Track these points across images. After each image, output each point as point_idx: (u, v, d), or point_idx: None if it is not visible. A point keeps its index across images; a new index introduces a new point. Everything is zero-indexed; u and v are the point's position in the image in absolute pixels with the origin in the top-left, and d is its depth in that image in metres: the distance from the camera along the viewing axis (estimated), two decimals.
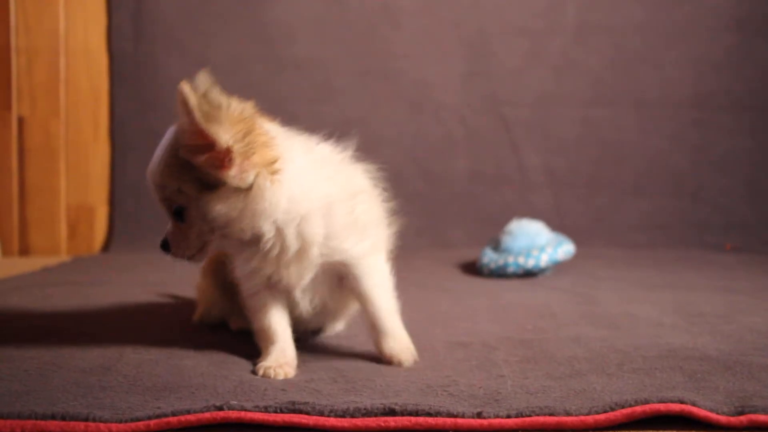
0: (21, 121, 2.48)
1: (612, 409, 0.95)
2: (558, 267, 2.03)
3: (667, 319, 1.43)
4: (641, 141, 2.60)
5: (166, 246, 1.11)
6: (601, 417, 0.94)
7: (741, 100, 2.59)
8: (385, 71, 2.59)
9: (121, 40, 2.54)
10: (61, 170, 2.51)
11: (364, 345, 1.26)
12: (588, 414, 0.94)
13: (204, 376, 1.07)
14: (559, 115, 2.60)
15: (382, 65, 2.59)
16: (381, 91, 2.59)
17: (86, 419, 0.90)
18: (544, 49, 2.58)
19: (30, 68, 2.49)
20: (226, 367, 1.13)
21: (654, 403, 0.95)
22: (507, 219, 2.14)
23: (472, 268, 2.07)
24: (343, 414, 0.94)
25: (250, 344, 1.21)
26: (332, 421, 0.92)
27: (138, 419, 0.91)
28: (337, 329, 1.35)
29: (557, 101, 2.59)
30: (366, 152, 2.52)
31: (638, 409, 0.94)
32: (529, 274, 1.98)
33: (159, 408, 0.93)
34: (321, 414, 0.93)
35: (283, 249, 1.10)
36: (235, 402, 0.94)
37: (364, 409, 0.94)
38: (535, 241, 2.02)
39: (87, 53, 2.54)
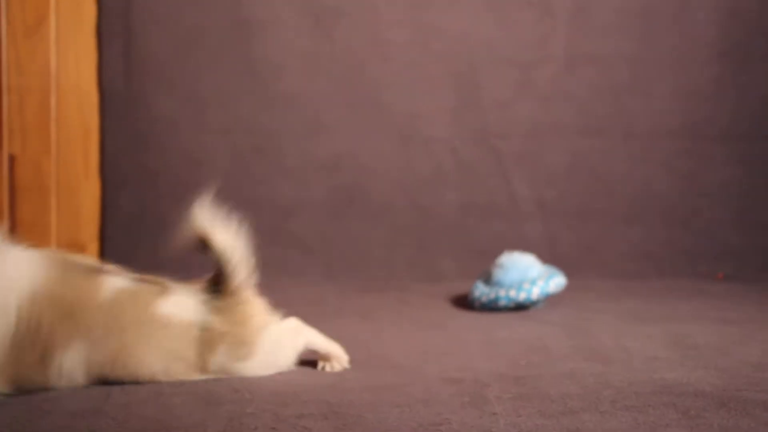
0: (12, 160, 2.48)
1: None
2: (550, 300, 2.02)
3: (661, 353, 1.43)
4: (631, 170, 2.61)
5: None
6: None
7: (729, 129, 2.60)
8: (374, 104, 2.60)
9: (111, 78, 2.55)
10: (52, 207, 2.51)
11: (358, 377, 1.25)
12: None
13: (193, 415, 1.06)
14: (549, 146, 2.61)
15: (371, 98, 2.60)
16: (370, 124, 2.60)
17: None
18: (533, 80, 2.60)
19: (21, 106, 2.49)
20: (214, 402, 1.12)
21: None
22: (498, 250, 2.14)
23: (464, 302, 2.07)
24: None
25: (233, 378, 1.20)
26: None
27: None
28: None
29: (547, 132, 2.60)
30: (356, 186, 2.55)
31: None
32: (520, 307, 1.97)
33: None
34: None
35: None
36: None
37: None
38: (527, 274, 2.02)
39: (78, 91, 2.55)
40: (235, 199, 2.72)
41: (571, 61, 2.61)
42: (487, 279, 2.04)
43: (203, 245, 1.29)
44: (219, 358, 1.24)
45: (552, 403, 1.13)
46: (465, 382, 1.25)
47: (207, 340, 1.23)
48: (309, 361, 1.39)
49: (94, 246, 2.54)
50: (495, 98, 2.60)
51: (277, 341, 1.31)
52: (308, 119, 2.58)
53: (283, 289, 2.26)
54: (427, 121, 2.60)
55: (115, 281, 1.25)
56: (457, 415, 1.08)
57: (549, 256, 2.32)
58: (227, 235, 1.30)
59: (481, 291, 2.01)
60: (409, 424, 1.05)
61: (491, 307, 1.97)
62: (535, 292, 1.96)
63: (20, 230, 2.48)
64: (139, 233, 2.51)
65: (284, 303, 2.08)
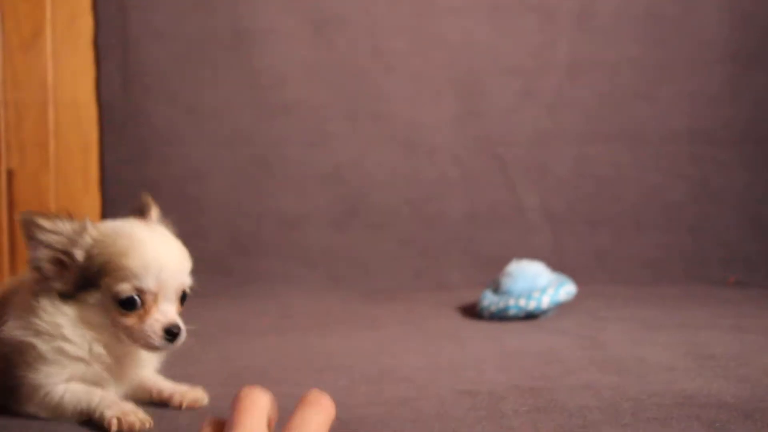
0: (10, 175, 2.45)
1: None
2: (560, 308, 1.98)
3: (678, 363, 1.39)
4: (638, 176, 2.57)
5: (177, 332, 1.08)
6: None
7: (738, 133, 2.57)
8: (377, 114, 2.57)
9: (110, 91, 2.52)
10: None
11: (368, 392, 1.21)
12: None
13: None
14: (554, 153, 2.57)
15: (374, 108, 2.57)
16: (373, 133, 2.57)
17: None
18: (537, 87, 2.57)
19: (19, 121, 2.46)
20: None
21: None
22: (505, 260, 2.10)
23: (473, 311, 2.03)
24: None
25: None
26: None
27: None
28: None
29: (552, 139, 2.57)
30: (359, 196, 2.51)
31: None
32: (530, 316, 1.93)
33: None
34: None
35: None
36: None
37: None
38: (536, 283, 1.98)
39: (76, 104, 2.52)
40: (238, 211, 2.71)
41: (575, 68, 2.58)
42: (496, 288, 2.00)
43: None
44: None
45: (571, 417, 1.09)
46: (480, 395, 1.21)
47: None
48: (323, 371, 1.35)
49: None
50: (499, 106, 2.57)
51: None
52: (310, 129, 2.55)
53: (287, 300, 2.24)
54: (431, 129, 2.57)
55: None
56: (474, 430, 1.04)
57: (557, 265, 2.27)
58: None
59: (490, 300, 1.97)
60: None
61: (501, 317, 1.93)
62: (545, 301, 1.92)
63: (20, 245, 2.44)
64: None
65: (288, 314, 2.06)
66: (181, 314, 1.11)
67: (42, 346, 1.07)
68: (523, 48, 2.58)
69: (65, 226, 1.07)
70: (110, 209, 2.50)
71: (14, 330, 1.08)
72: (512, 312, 1.92)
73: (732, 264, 2.49)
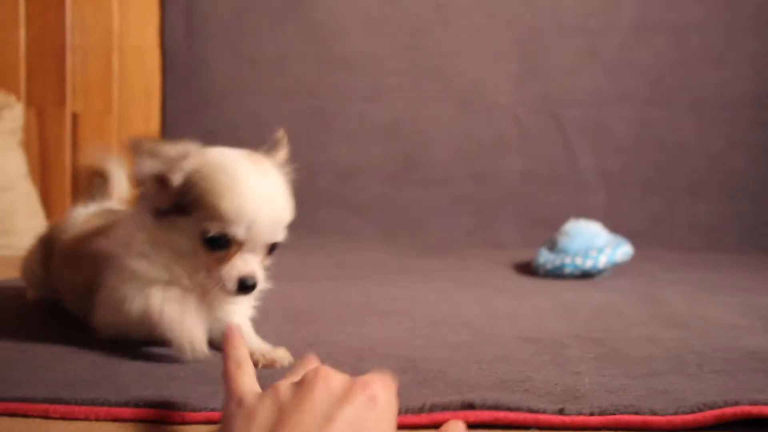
0: (75, 118, 2.50)
1: (700, 410, 0.90)
2: (615, 269, 1.98)
3: (740, 321, 1.39)
4: (699, 142, 2.54)
5: (251, 285, 1.04)
6: (689, 418, 0.90)
7: None
8: (436, 70, 2.56)
9: (173, 39, 2.55)
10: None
11: (430, 335, 1.23)
12: (675, 414, 0.90)
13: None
14: (614, 115, 2.55)
15: (433, 64, 2.56)
16: (431, 90, 2.57)
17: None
18: (599, 47, 2.54)
19: (84, 66, 2.51)
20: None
21: (745, 405, 0.90)
22: (559, 220, 2.10)
23: (527, 269, 2.04)
24: (420, 410, 0.91)
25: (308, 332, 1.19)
26: (409, 419, 0.89)
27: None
28: None
29: (612, 101, 2.54)
30: (416, 152, 2.52)
31: (728, 410, 0.90)
32: (586, 275, 1.93)
33: None
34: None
35: None
36: None
37: (442, 405, 0.91)
38: (593, 242, 1.98)
39: (140, 51, 2.56)
40: (294, 162, 2.74)
41: (638, 29, 2.54)
42: (552, 246, 2.00)
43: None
44: None
45: (635, 365, 1.10)
46: (542, 341, 1.22)
47: None
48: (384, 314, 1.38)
49: None
50: (560, 66, 2.55)
51: None
52: (368, 83, 2.56)
53: (342, 251, 2.27)
54: (490, 87, 2.56)
55: None
56: (540, 373, 1.05)
57: (611, 227, 2.26)
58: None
59: (545, 258, 1.98)
60: (490, 379, 1.02)
61: (556, 274, 1.94)
62: (602, 261, 1.92)
63: (81, 188, 2.50)
64: None
65: (344, 265, 2.09)
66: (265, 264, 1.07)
67: (127, 259, 1.07)
68: (587, 7, 2.55)
69: (169, 150, 1.05)
70: None
71: (104, 241, 1.11)
72: (568, 270, 1.93)
73: None
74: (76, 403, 0.89)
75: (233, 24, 2.55)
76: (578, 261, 1.93)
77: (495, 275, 1.98)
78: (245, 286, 1.03)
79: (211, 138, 2.69)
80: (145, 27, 2.56)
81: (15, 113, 2.31)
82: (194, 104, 2.55)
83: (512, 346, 1.20)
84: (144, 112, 2.57)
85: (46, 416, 0.87)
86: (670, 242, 2.44)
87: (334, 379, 0.73)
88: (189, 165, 1.03)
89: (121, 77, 2.54)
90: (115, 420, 0.88)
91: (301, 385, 0.72)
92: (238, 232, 1.01)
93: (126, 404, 0.89)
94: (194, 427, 0.87)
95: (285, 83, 2.55)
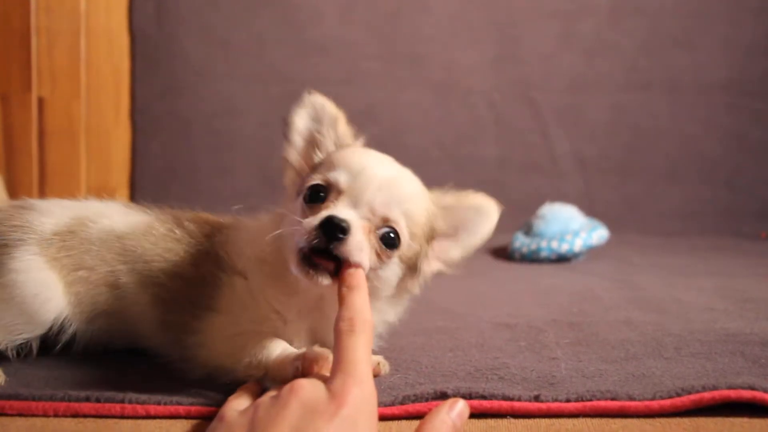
0: (41, 103, 2.44)
1: (678, 395, 0.89)
2: (591, 253, 1.97)
3: (717, 305, 1.38)
4: (674, 126, 2.53)
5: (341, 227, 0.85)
6: (667, 403, 0.88)
7: None
8: (412, 54, 2.53)
9: (143, 21, 2.49)
10: (82, 153, 2.46)
11: (407, 321, 1.21)
12: (653, 399, 0.89)
13: None
14: (590, 100, 2.53)
15: (409, 48, 2.53)
16: (407, 74, 2.53)
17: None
18: (575, 32, 2.52)
19: (50, 49, 2.44)
20: None
21: (723, 389, 0.89)
22: (536, 206, 2.08)
23: (503, 254, 2.02)
24: (392, 402, 0.88)
25: None
26: (382, 411, 0.86)
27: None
28: None
29: (589, 85, 2.53)
30: (391, 137, 2.49)
31: (707, 395, 0.89)
32: (562, 259, 1.93)
33: None
34: None
35: None
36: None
37: (414, 396, 0.89)
38: (569, 226, 1.97)
39: (108, 34, 2.49)
40: (268, 148, 2.68)
41: (615, 13, 2.52)
42: (528, 230, 1.99)
43: None
44: None
45: (612, 349, 1.08)
46: (519, 327, 1.21)
47: None
48: None
49: (123, 192, 2.51)
50: (536, 50, 2.53)
51: None
52: (344, 67, 2.51)
53: None
54: (466, 72, 2.53)
55: None
56: (516, 359, 1.04)
57: (587, 212, 2.26)
58: None
59: (521, 242, 1.96)
60: (465, 368, 1.00)
61: (532, 258, 1.92)
62: (578, 244, 1.91)
63: (49, 174, 2.45)
64: (170, 180, 2.47)
65: None
66: (382, 260, 0.91)
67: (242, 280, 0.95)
68: None
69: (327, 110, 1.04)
70: (141, 140, 2.50)
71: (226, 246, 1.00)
72: (544, 254, 1.92)
73: (764, 218, 2.46)
74: (34, 399, 0.86)
75: (205, 6, 2.49)
76: (554, 245, 1.92)
77: (471, 259, 1.95)
78: (331, 225, 0.84)
79: (186, 128, 2.61)
80: (113, 8, 2.49)
81: None
82: (165, 88, 2.49)
83: (488, 332, 1.18)
84: (114, 97, 2.51)
85: (2, 413, 0.84)
86: (646, 226, 2.44)
87: (309, 394, 0.74)
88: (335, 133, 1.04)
89: (88, 61, 2.47)
90: (74, 416, 0.85)
91: (277, 400, 0.74)
92: (340, 177, 0.90)
93: (87, 399, 0.86)
94: (157, 421, 0.84)
95: (258, 68, 2.50)
